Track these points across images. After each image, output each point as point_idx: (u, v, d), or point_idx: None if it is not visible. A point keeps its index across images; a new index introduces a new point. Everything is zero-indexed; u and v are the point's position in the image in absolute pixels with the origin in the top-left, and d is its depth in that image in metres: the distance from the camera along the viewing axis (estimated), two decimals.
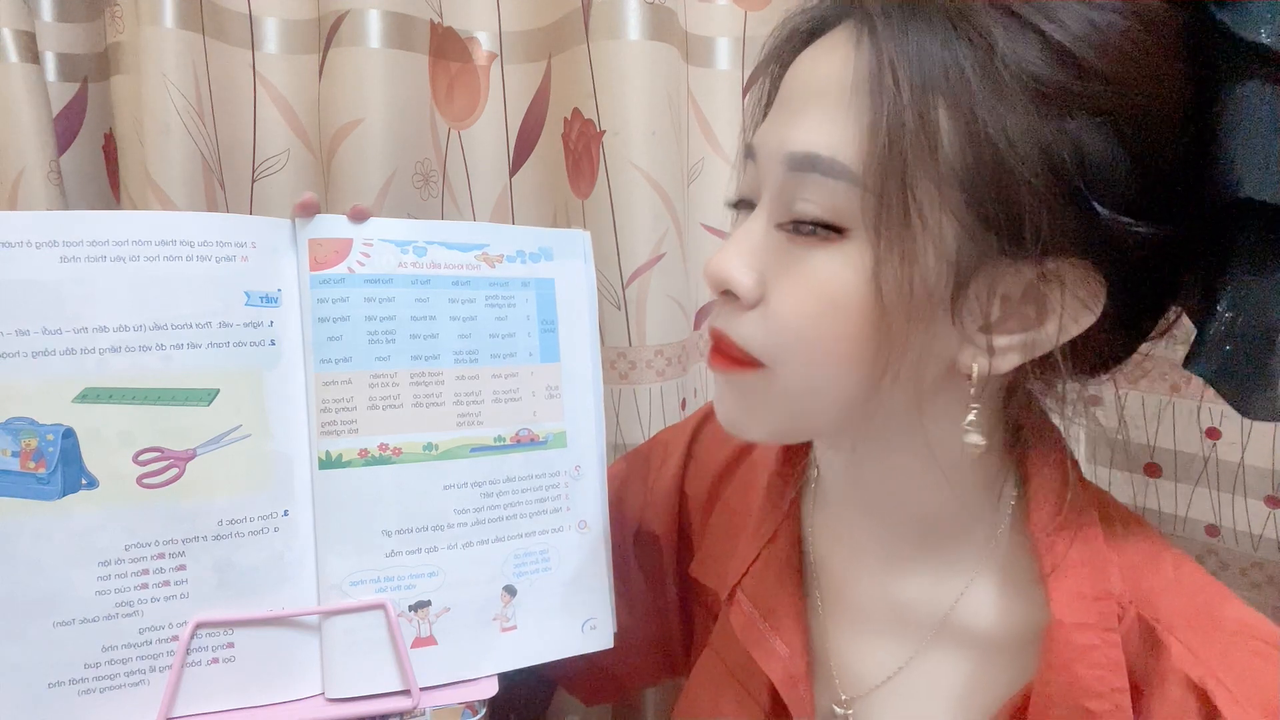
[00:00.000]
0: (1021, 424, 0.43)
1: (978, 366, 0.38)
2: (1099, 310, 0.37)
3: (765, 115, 0.44)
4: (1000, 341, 0.38)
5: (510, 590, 0.52)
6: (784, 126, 0.39)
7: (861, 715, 0.49)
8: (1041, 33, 0.34)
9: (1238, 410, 0.38)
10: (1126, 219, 0.35)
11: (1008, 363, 0.38)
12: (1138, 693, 0.40)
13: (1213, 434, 0.72)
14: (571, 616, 0.54)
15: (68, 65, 0.81)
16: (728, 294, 0.41)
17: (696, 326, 0.84)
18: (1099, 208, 0.35)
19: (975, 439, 0.39)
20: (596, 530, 0.55)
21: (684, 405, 0.81)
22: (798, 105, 0.39)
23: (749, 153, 0.42)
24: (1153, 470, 0.77)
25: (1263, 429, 0.69)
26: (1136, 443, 0.77)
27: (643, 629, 0.63)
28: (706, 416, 0.65)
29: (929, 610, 0.46)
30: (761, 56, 0.45)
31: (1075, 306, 0.37)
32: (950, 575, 0.46)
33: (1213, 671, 0.39)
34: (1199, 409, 0.72)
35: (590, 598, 0.55)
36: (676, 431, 0.65)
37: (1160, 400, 0.75)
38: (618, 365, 0.77)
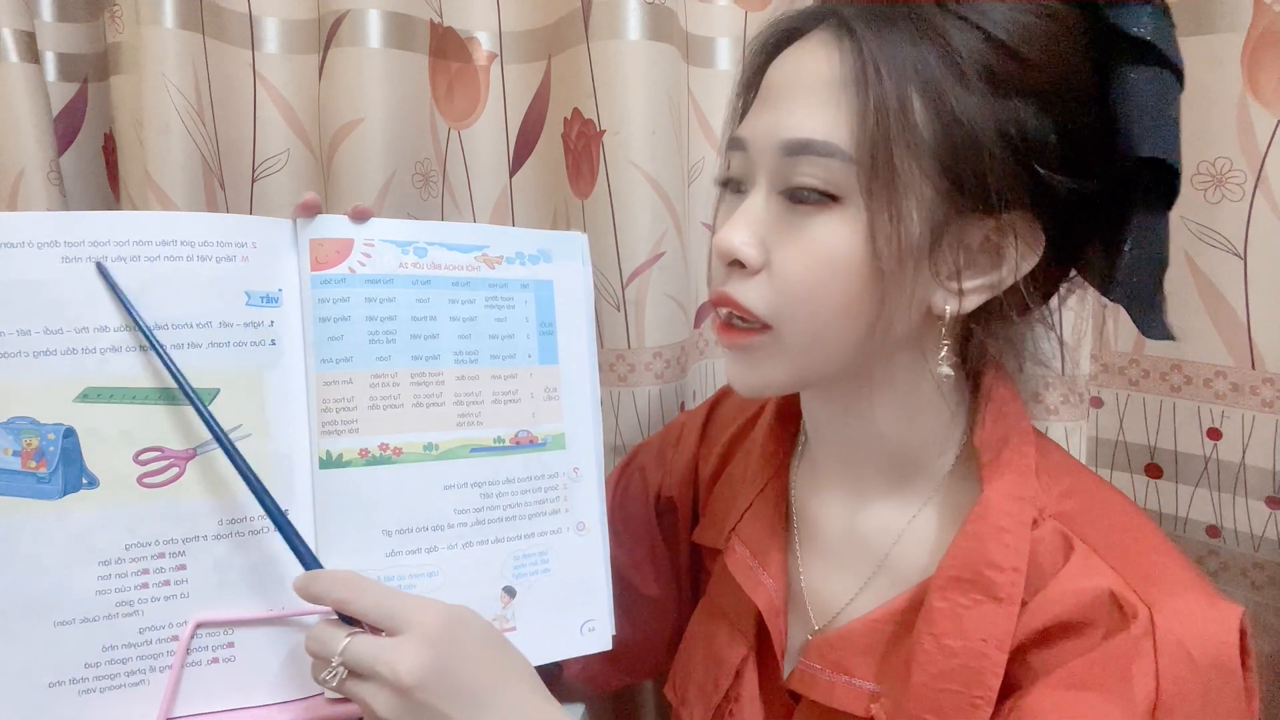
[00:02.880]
0: (977, 364, 0.50)
1: (949, 308, 0.45)
2: (1040, 252, 0.45)
3: (744, 111, 0.50)
4: (968, 285, 0.45)
5: (510, 591, 0.52)
6: (775, 118, 0.46)
7: (824, 638, 0.53)
8: (985, 31, 0.42)
9: (1142, 331, 0.47)
10: (1059, 176, 0.43)
11: (973, 303, 0.46)
12: (1043, 586, 0.45)
13: (1213, 434, 0.72)
14: (570, 618, 0.54)
15: (68, 65, 0.81)
16: (734, 263, 0.47)
17: (697, 325, 0.84)
18: (1038, 168, 0.43)
19: (946, 369, 0.47)
20: (595, 532, 0.55)
21: (683, 409, 0.81)
22: (786, 99, 0.46)
23: (737, 144, 0.48)
24: (1153, 471, 0.77)
25: (1263, 430, 0.69)
26: (1137, 444, 0.77)
27: (663, 601, 0.67)
28: (721, 397, 0.70)
29: (882, 539, 0.52)
30: (748, 63, 0.51)
31: (1024, 250, 0.45)
32: (904, 505, 0.52)
33: (1116, 571, 0.44)
34: (1199, 409, 0.72)
35: (589, 600, 0.55)
36: (693, 414, 0.71)
37: (1160, 401, 0.75)
38: (616, 367, 0.77)
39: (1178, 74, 0.44)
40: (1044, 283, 0.48)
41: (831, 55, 0.44)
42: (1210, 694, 0.41)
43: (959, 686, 0.45)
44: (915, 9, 0.43)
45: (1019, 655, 0.45)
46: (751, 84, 0.50)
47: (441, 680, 0.41)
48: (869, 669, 0.49)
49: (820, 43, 0.45)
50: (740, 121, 0.50)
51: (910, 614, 0.48)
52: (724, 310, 0.48)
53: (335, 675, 0.42)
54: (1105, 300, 0.48)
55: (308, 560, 0.46)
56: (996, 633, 0.44)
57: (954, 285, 0.45)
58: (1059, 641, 0.44)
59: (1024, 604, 0.45)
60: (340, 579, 0.44)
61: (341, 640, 0.42)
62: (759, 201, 0.46)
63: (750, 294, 0.46)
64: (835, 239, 0.44)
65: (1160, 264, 0.46)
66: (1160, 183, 0.44)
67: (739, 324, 0.47)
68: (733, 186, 0.50)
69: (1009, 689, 0.45)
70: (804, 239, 0.45)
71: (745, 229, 0.46)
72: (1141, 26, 0.42)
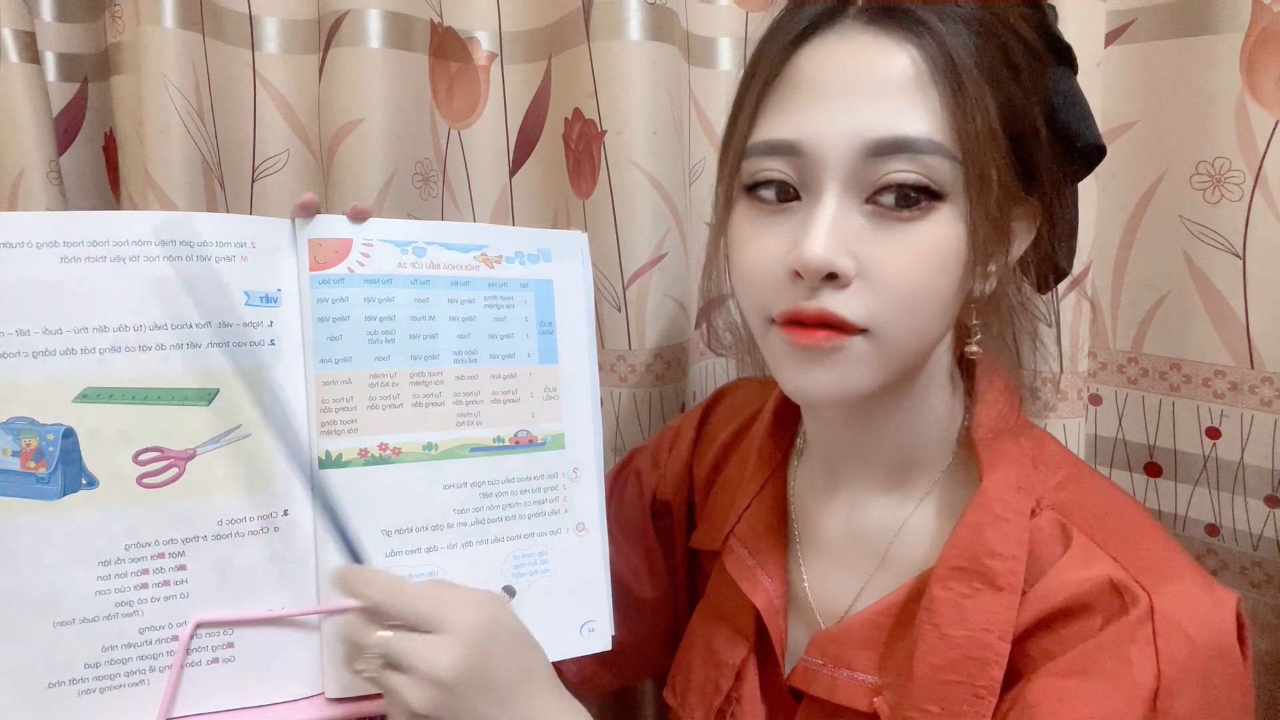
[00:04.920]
0: (970, 357, 0.51)
1: (986, 289, 0.47)
2: (1035, 230, 0.48)
3: (758, 114, 0.46)
4: (994, 266, 0.46)
5: (510, 591, 0.53)
6: (845, 117, 0.43)
7: (825, 633, 0.53)
8: (1018, 32, 0.44)
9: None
10: (1064, 161, 0.47)
11: (994, 283, 0.47)
12: (1042, 575, 0.46)
13: (1212, 434, 0.72)
14: (570, 618, 0.54)
15: (68, 65, 0.81)
16: (828, 277, 0.43)
17: (698, 326, 0.84)
18: (1062, 156, 0.47)
19: (975, 348, 0.49)
20: (595, 533, 0.55)
21: (683, 410, 0.81)
22: (851, 96, 0.43)
23: (783, 149, 0.44)
24: (1153, 470, 0.77)
25: (1262, 429, 0.69)
26: (1136, 442, 0.77)
27: (659, 604, 0.67)
28: (716, 399, 0.70)
29: (882, 534, 0.52)
30: (768, 59, 0.46)
31: (1028, 229, 0.48)
32: (904, 500, 0.52)
33: (1114, 560, 0.45)
34: (1198, 408, 0.72)
35: (589, 600, 0.55)
36: (688, 417, 0.70)
37: (1160, 400, 0.75)
38: (617, 368, 0.77)
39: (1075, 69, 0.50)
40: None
41: (897, 49, 0.42)
42: (1210, 677, 0.42)
43: (962, 677, 0.45)
44: (958, 5, 0.43)
45: (1020, 645, 0.45)
46: (771, 81, 0.46)
47: (474, 677, 0.43)
48: (870, 662, 0.49)
49: (870, 36, 0.43)
50: (758, 123, 0.46)
51: (910, 606, 0.48)
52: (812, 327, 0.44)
53: (371, 666, 0.44)
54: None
55: (354, 552, 0.47)
56: (998, 622, 0.45)
57: (985, 269, 0.45)
58: (1059, 629, 0.44)
59: (1024, 594, 0.45)
60: (380, 583, 0.45)
61: (379, 634, 0.44)
62: (833, 207, 0.43)
63: (849, 305, 0.43)
64: (940, 237, 0.43)
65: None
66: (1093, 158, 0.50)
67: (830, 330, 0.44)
68: (776, 192, 0.45)
69: (1012, 679, 0.45)
70: (906, 241, 0.43)
71: (833, 239, 0.42)
72: (1058, 30, 0.47)
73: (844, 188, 0.43)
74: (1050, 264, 0.51)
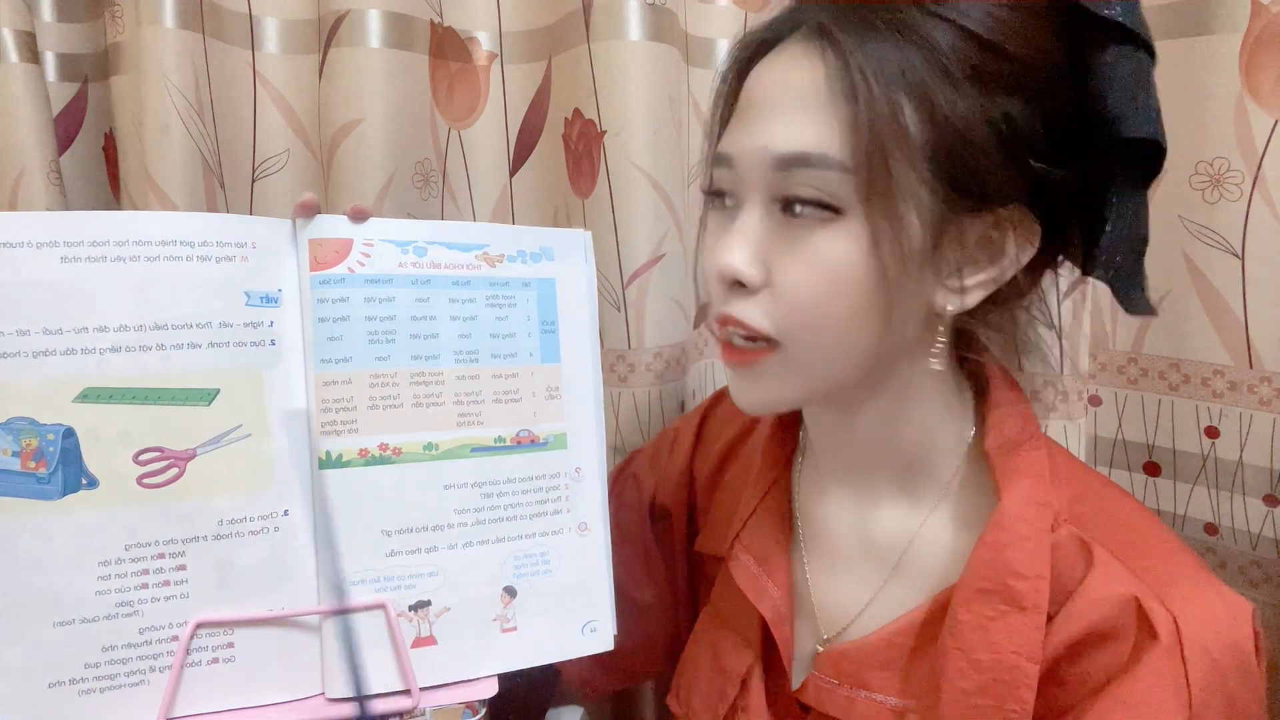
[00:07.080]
0: (973, 360, 0.51)
1: (951, 307, 0.45)
2: (1038, 243, 0.45)
3: (725, 124, 0.49)
4: (970, 282, 0.45)
5: (510, 591, 0.53)
6: (761, 132, 0.45)
7: (839, 650, 0.52)
8: (965, 29, 0.41)
9: (1124, 307, 0.46)
10: (1047, 167, 0.43)
11: (975, 299, 0.45)
12: (1066, 595, 0.45)
13: (1211, 433, 0.72)
14: (571, 619, 0.54)
15: (68, 65, 0.81)
16: (735, 284, 0.46)
17: (696, 326, 0.84)
18: (1031, 161, 0.43)
19: (937, 365, 0.47)
20: (597, 533, 0.55)
21: (683, 409, 0.82)
22: (771, 112, 0.45)
23: (722, 160, 0.47)
24: (1152, 469, 0.77)
25: (1260, 428, 0.70)
26: (1135, 442, 0.77)
27: (657, 608, 0.67)
28: (715, 401, 0.69)
29: (895, 542, 0.52)
30: (725, 73, 0.50)
31: (1022, 242, 0.45)
32: (914, 509, 0.52)
33: (1136, 576, 0.44)
34: (1197, 408, 0.73)
35: (590, 600, 0.55)
36: (688, 418, 0.70)
37: (1159, 399, 0.75)
38: (617, 368, 0.77)
39: (1150, 52, 0.43)
40: (1034, 268, 0.48)
41: (814, 64, 0.43)
42: (1232, 695, 0.42)
43: (992, 701, 0.44)
44: (893, 10, 0.42)
45: (1053, 672, 0.45)
46: (730, 96, 0.49)
47: None
48: (891, 684, 0.49)
49: (800, 52, 0.44)
50: (721, 135, 0.49)
51: (931, 626, 0.48)
52: (728, 329, 0.47)
53: None
54: (1092, 283, 0.49)
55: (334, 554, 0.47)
56: (1026, 643, 0.44)
57: (955, 284, 0.45)
58: (1090, 653, 0.44)
59: (1050, 616, 0.45)
60: None
61: None
62: (754, 218, 0.45)
63: (755, 313, 0.45)
64: (838, 252, 0.43)
65: (1141, 240, 0.46)
66: (1138, 160, 0.44)
67: (744, 343, 0.46)
68: (721, 200, 0.49)
69: (1046, 704, 0.44)
70: (806, 254, 0.44)
71: (743, 248, 0.45)
72: (1110, 8, 0.42)
73: (765, 198, 0.45)
74: (1104, 271, 0.46)
